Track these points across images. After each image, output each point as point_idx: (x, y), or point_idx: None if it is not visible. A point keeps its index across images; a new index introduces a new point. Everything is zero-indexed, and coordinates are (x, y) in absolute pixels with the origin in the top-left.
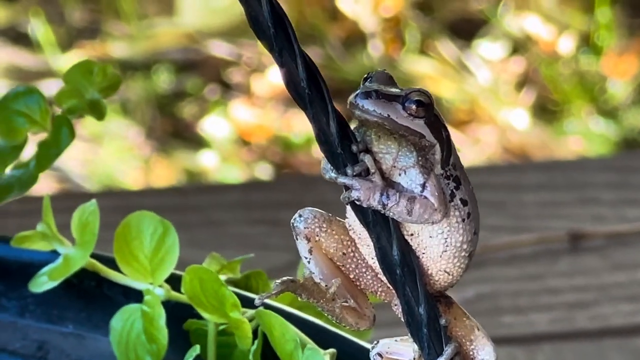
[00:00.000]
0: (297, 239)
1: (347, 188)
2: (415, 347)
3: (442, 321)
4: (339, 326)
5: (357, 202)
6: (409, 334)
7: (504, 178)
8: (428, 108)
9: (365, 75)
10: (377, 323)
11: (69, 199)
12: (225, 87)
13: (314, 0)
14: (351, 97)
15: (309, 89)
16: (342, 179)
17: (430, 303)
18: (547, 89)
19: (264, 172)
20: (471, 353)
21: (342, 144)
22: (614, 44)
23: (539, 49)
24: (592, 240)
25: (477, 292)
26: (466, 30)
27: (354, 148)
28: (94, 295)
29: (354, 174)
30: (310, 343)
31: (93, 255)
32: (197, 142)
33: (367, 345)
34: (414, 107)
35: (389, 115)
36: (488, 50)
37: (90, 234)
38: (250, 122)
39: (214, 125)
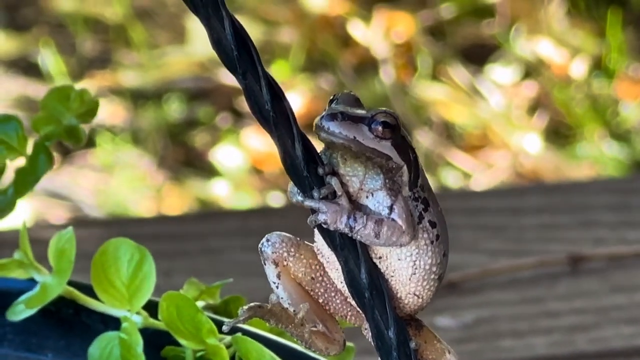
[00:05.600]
0: (265, 264)
1: (314, 211)
2: None
3: (412, 344)
4: (321, 354)
5: (324, 226)
6: (379, 358)
7: (504, 201)
8: (394, 129)
9: (331, 97)
10: (360, 350)
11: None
12: (237, 116)
13: (325, 27)
14: (317, 120)
15: (273, 112)
16: (308, 202)
17: (400, 326)
18: (560, 113)
19: (276, 200)
20: None
21: (308, 167)
22: (626, 66)
23: (551, 72)
24: (592, 262)
25: (477, 317)
26: (478, 55)
27: (320, 171)
28: (73, 323)
29: (321, 197)
30: None
31: (71, 283)
32: (209, 171)
33: None
34: (380, 128)
35: (355, 137)
36: (500, 74)
37: (66, 261)
38: (262, 151)
39: (226, 154)
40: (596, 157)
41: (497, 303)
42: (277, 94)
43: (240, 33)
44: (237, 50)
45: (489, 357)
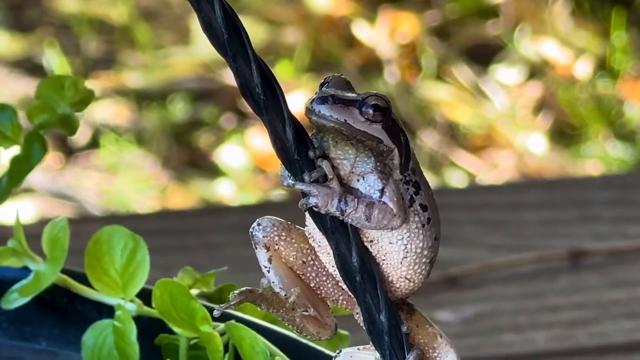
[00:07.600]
0: (256, 248)
1: (305, 195)
2: (378, 355)
3: (404, 328)
4: (312, 339)
5: (315, 209)
6: (371, 342)
7: (505, 197)
8: (385, 112)
9: (322, 81)
10: (355, 343)
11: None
12: (241, 116)
13: (330, 27)
14: (307, 103)
15: (264, 95)
16: (299, 186)
17: (391, 310)
18: (564, 113)
19: (280, 200)
20: None
21: (299, 150)
22: (630, 67)
23: (556, 73)
24: (593, 257)
25: (477, 311)
26: (483, 55)
27: (311, 154)
28: (67, 311)
29: (312, 180)
30: (281, 355)
31: (65, 272)
32: (214, 171)
33: None
34: (371, 111)
35: (346, 120)
36: (505, 75)
37: (60, 249)
38: (267, 151)
39: (230, 154)
40: (601, 157)
41: (498, 298)
42: (267, 77)
43: (230, 16)
44: (228, 33)
45: (489, 351)
